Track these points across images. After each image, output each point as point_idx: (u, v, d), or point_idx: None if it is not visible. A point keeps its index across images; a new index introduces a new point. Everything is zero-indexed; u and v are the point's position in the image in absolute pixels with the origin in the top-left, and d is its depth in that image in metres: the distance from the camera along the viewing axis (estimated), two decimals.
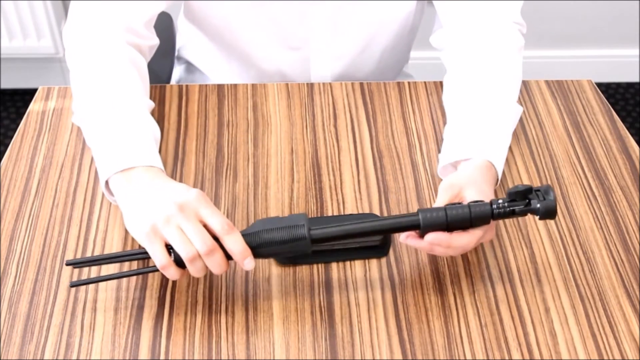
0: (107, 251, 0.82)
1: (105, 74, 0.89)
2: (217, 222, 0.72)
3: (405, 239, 0.76)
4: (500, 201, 0.74)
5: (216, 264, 0.72)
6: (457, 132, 0.90)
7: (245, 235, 0.73)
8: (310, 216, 0.87)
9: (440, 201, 0.78)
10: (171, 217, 0.71)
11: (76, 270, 0.80)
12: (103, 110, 0.85)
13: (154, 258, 0.72)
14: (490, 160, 0.85)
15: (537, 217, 0.74)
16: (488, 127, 0.89)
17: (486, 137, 0.88)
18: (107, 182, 0.80)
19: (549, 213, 0.73)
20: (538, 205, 0.73)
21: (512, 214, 0.74)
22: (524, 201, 0.74)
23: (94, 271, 0.79)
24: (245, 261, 0.72)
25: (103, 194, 0.88)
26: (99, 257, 0.76)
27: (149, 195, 0.75)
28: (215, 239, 0.72)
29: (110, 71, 0.89)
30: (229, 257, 0.73)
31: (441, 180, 0.91)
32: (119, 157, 0.79)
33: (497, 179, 0.87)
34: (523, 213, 0.74)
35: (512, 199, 0.74)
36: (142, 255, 0.74)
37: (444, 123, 1.01)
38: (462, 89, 0.95)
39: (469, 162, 0.85)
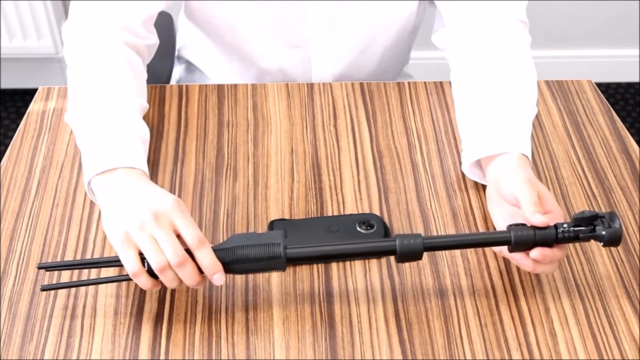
0: (106, 251, 0.82)
1: (98, 73, 0.88)
2: (189, 234, 0.71)
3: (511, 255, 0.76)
4: (565, 225, 0.73)
5: (188, 276, 0.71)
6: (490, 127, 0.88)
7: (220, 250, 0.72)
8: (309, 216, 0.87)
9: (531, 199, 0.75)
10: (145, 224, 0.71)
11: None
12: (91, 111, 0.84)
13: (125, 264, 0.71)
14: (526, 154, 0.84)
15: (601, 244, 0.74)
16: (517, 121, 0.88)
17: (519, 131, 0.86)
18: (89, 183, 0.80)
19: (613, 241, 0.73)
20: (603, 233, 0.72)
21: (576, 239, 0.73)
22: (588, 227, 0.73)
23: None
24: (215, 276, 0.71)
25: None
26: (73, 262, 0.76)
27: (126, 199, 0.74)
28: (188, 251, 0.72)
29: (103, 71, 0.89)
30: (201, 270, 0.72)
31: (443, 176, 0.91)
32: (100, 158, 0.78)
33: None
34: (587, 239, 0.74)
35: (577, 224, 0.73)
36: (118, 263, 0.73)
37: (444, 123, 1.01)
38: (479, 83, 0.94)
39: (511, 156, 0.83)
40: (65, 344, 0.73)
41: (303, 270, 0.81)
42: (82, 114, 0.85)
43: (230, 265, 0.72)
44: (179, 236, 0.72)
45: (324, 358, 0.72)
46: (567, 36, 2.35)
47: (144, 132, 0.86)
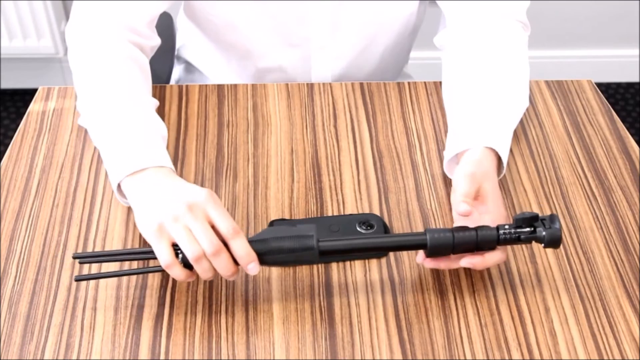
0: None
1: (110, 74, 0.89)
2: (224, 224, 0.72)
3: (426, 262, 0.77)
4: (507, 227, 0.74)
5: (223, 265, 0.72)
6: (461, 124, 0.89)
7: (254, 242, 0.73)
8: (309, 216, 0.87)
9: (463, 191, 0.77)
10: (179, 216, 0.72)
11: (78, 267, 0.79)
12: (109, 112, 0.85)
13: (158, 256, 0.72)
14: (495, 148, 0.84)
15: (542, 245, 0.75)
16: (491, 116, 0.88)
17: (490, 125, 0.87)
18: (118, 185, 0.80)
19: (553, 242, 0.73)
20: (543, 233, 0.73)
21: (517, 239, 0.74)
22: (530, 228, 0.74)
23: (95, 268, 0.79)
24: (250, 265, 0.72)
25: (103, 194, 0.88)
26: (106, 253, 0.76)
27: (159, 194, 0.75)
28: (224, 242, 0.72)
29: (114, 71, 0.89)
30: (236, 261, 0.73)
31: (443, 176, 0.91)
32: (129, 159, 0.79)
33: (503, 169, 0.86)
34: (528, 240, 0.75)
35: (519, 225, 0.74)
36: (150, 255, 0.74)
37: (444, 123, 1.01)
38: (463, 83, 0.95)
39: (474, 150, 0.84)
40: (65, 343, 0.73)
41: (303, 270, 0.81)
42: (101, 116, 0.85)
43: (264, 256, 0.73)
44: (213, 227, 0.72)
45: (324, 358, 0.72)
46: (567, 36, 2.35)
47: (164, 130, 0.87)
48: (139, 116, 0.85)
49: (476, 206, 0.79)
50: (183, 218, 0.71)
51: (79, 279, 0.76)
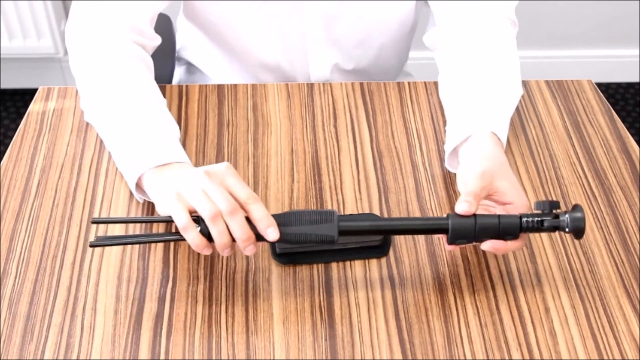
0: (106, 251, 0.81)
1: (118, 72, 0.90)
2: (243, 191, 0.72)
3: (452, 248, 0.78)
4: (529, 214, 0.74)
5: (239, 227, 0.71)
6: (461, 113, 0.89)
7: (275, 215, 0.73)
8: None
9: (474, 188, 0.76)
10: (197, 182, 0.72)
11: (78, 267, 0.79)
12: (124, 110, 0.86)
13: (175, 219, 0.71)
14: (496, 132, 0.84)
15: (566, 232, 0.74)
16: (489, 102, 0.89)
17: (489, 111, 0.87)
18: (138, 180, 0.81)
19: (577, 229, 0.73)
20: (567, 220, 0.73)
21: (540, 226, 0.74)
22: (551, 214, 0.74)
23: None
24: (269, 229, 0.71)
25: (103, 194, 0.88)
26: (124, 219, 0.78)
27: (180, 174, 0.76)
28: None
29: (123, 70, 0.90)
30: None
31: (443, 176, 0.91)
32: (153, 153, 0.80)
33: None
34: (551, 227, 0.74)
35: (540, 211, 0.74)
36: (170, 219, 0.72)
37: (444, 123, 1.01)
38: (458, 77, 0.96)
39: (478, 141, 0.83)
40: (65, 343, 0.73)
41: (303, 270, 0.81)
42: (115, 114, 0.86)
43: (284, 226, 0.72)
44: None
45: (324, 358, 0.72)
46: (568, 36, 2.34)
47: (178, 131, 0.88)
48: (156, 113, 0.86)
49: (498, 204, 0.79)
50: (200, 184, 0.72)
51: (94, 245, 0.75)
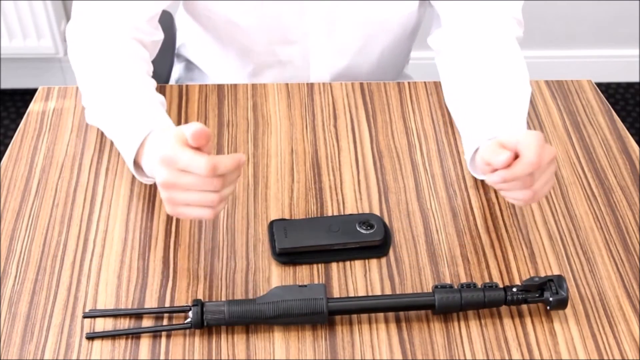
0: (106, 251, 0.81)
1: (113, 69, 0.91)
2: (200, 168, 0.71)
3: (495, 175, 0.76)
4: (514, 289, 0.75)
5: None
6: (478, 118, 0.89)
7: (263, 304, 0.73)
8: (309, 216, 0.87)
9: (485, 154, 0.77)
10: (162, 189, 0.73)
11: (78, 267, 0.79)
12: (114, 102, 0.88)
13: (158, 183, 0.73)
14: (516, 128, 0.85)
15: (547, 307, 0.76)
16: (507, 107, 0.89)
17: (508, 113, 0.88)
18: (138, 166, 0.83)
19: (560, 306, 0.75)
20: (550, 299, 0.75)
21: (524, 302, 0.75)
22: (537, 292, 0.75)
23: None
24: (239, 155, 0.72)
25: (103, 194, 0.88)
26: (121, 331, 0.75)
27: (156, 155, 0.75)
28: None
29: (120, 68, 0.91)
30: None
31: (443, 176, 0.91)
32: (133, 131, 0.81)
33: None
34: (535, 302, 0.76)
35: (526, 289, 0.75)
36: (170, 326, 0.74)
37: (444, 123, 1.01)
38: (469, 81, 0.95)
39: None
40: (65, 343, 0.73)
41: (303, 270, 0.81)
42: (106, 108, 0.88)
43: (274, 319, 0.73)
44: None
45: (324, 358, 0.72)
46: (568, 36, 2.34)
47: (162, 97, 0.90)
48: (137, 94, 0.88)
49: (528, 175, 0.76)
50: (163, 188, 0.72)
51: (90, 337, 0.73)
